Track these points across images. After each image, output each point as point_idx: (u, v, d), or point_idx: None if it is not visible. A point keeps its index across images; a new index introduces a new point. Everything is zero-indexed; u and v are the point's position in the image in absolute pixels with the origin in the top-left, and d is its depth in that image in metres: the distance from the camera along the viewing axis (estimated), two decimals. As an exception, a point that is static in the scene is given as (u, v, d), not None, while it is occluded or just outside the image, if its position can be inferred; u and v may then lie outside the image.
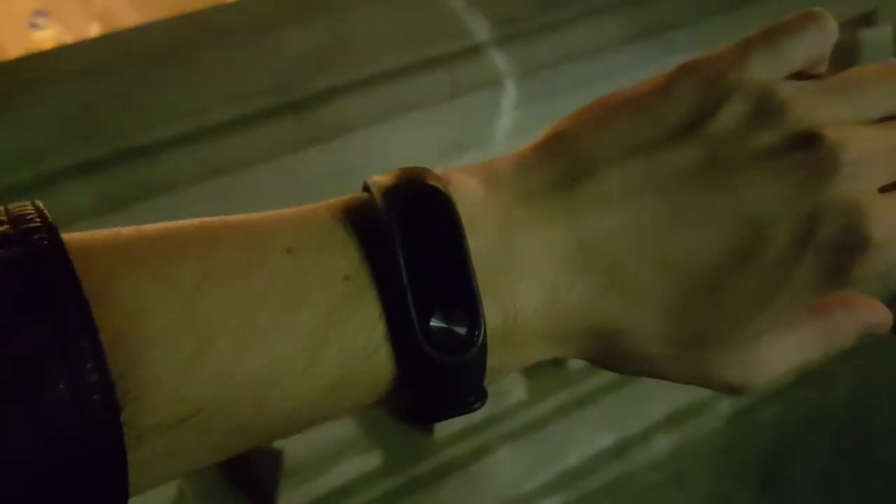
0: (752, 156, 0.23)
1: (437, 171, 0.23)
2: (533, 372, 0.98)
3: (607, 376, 1.01)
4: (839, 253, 0.23)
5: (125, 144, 0.65)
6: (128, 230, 0.21)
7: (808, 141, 0.23)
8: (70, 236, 0.20)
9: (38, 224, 0.19)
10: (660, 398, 1.04)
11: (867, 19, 0.96)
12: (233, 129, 0.68)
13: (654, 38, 0.81)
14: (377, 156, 0.74)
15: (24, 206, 0.20)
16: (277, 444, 0.82)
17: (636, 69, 0.83)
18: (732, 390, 0.25)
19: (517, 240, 0.22)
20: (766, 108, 0.24)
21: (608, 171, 0.23)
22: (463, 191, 0.22)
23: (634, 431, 1.00)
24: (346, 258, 0.21)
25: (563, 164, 0.23)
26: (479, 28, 0.76)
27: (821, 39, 0.25)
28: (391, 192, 0.22)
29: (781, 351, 0.25)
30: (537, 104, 0.79)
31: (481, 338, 0.21)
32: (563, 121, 0.25)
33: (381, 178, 0.22)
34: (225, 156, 0.67)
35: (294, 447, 0.83)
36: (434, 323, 0.21)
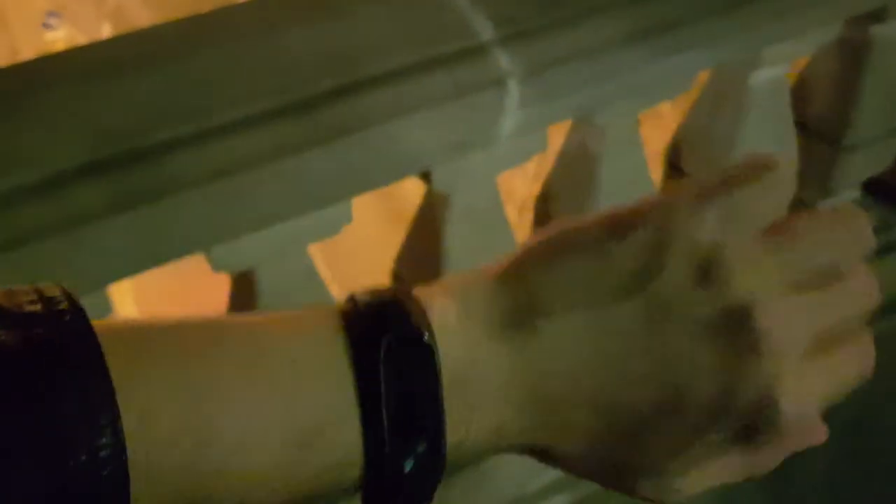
0: (687, 321, 0.25)
1: (419, 290, 0.26)
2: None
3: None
4: (749, 427, 0.25)
5: (132, 146, 0.65)
6: (144, 325, 0.24)
7: (738, 318, 0.25)
8: (94, 324, 0.22)
9: (66, 307, 0.22)
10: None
11: (879, 15, 0.95)
12: (237, 130, 0.68)
13: (657, 37, 0.81)
14: (381, 156, 0.74)
15: (52, 288, 0.22)
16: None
17: (638, 68, 0.82)
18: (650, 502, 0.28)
19: (476, 376, 0.25)
20: (706, 275, 0.25)
21: (558, 321, 0.26)
22: (441, 322, 0.25)
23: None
24: (337, 378, 0.24)
25: (520, 306, 0.26)
26: (482, 28, 0.76)
27: (774, 186, 0.26)
28: (377, 328, 0.24)
29: (700, 477, 0.27)
30: (540, 103, 0.79)
31: (440, 465, 0.25)
32: (526, 252, 0.27)
33: (367, 304, 0.25)
34: (230, 157, 0.68)
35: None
36: (404, 455, 0.24)
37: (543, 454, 0.27)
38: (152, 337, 0.24)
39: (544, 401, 0.26)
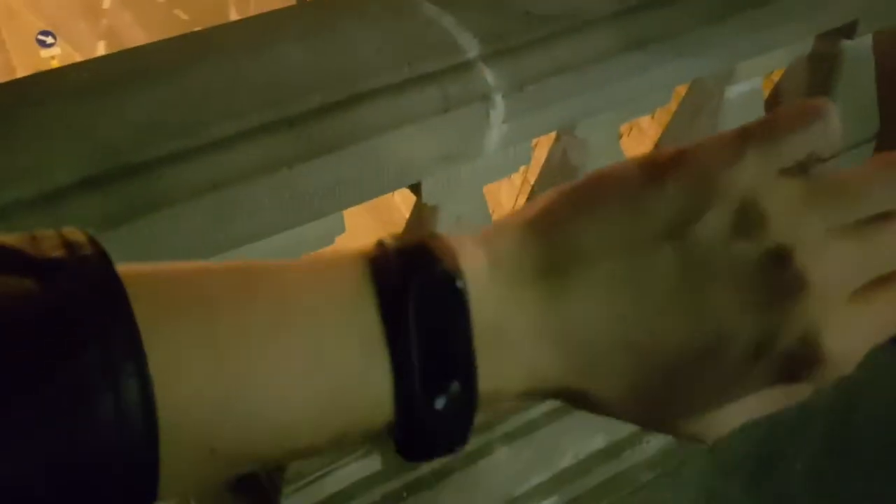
0: (726, 266, 0.24)
1: (448, 238, 0.25)
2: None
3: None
4: (792, 363, 0.25)
5: (127, 161, 0.66)
6: (168, 270, 0.23)
7: (780, 260, 0.24)
8: (118, 269, 0.22)
9: (90, 252, 0.21)
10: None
11: (847, 30, 0.97)
12: (231, 144, 0.69)
13: (637, 52, 0.83)
14: (372, 169, 0.75)
15: (76, 233, 0.22)
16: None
17: (623, 81, 0.84)
18: (690, 441, 0.28)
19: (509, 321, 0.25)
20: (747, 219, 0.24)
21: (592, 267, 0.25)
22: (472, 269, 0.25)
23: (626, 432, 1.01)
24: (364, 326, 0.24)
25: (553, 252, 0.25)
26: (468, 45, 0.78)
27: (821, 135, 0.25)
28: (409, 270, 0.24)
29: (738, 411, 0.26)
30: (526, 117, 0.81)
31: (472, 408, 0.24)
32: (558, 196, 0.26)
33: (397, 248, 0.25)
34: (224, 171, 0.69)
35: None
36: (435, 395, 0.24)
37: (580, 399, 0.26)
38: (178, 285, 0.23)
39: (579, 346, 0.25)
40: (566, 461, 0.96)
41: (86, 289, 0.21)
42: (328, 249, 0.23)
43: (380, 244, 0.25)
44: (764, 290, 0.24)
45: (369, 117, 0.74)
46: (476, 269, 0.25)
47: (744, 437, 1.07)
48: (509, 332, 0.25)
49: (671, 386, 0.25)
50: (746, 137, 0.25)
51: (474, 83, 0.78)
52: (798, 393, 0.27)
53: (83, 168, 0.65)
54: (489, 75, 0.79)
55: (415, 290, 0.23)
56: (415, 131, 0.76)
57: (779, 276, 0.24)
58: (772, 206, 0.25)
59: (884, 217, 0.26)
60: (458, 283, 0.24)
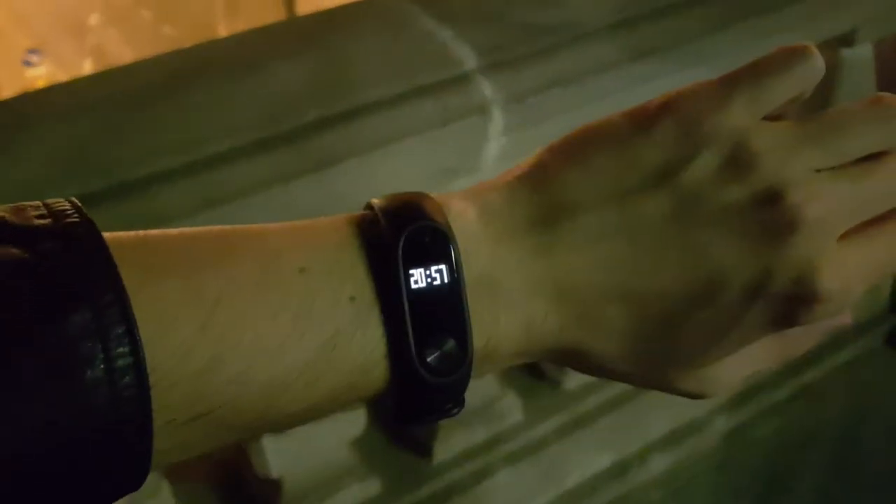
0: (718, 209, 0.24)
1: (436, 196, 0.25)
2: (530, 393, 0.98)
3: (604, 396, 1.02)
4: (788, 304, 0.25)
5: (119, 179, 0.66)
6: (154, 235, 0.23)
7: (772, 200, 0.24)
8: (104, 235, 0.21)
9: (76, 219, 0.21)
10: (657, 417, 1.05)
11: (847, 39, 0.97)
12: (225, 161, 0.69)
13: (640, 61, 0.82)
14: (370, 184, 0.75)
15: (61, 202, 0.22)
16: (277, 472, 0.82)
17: (622, 92, 0.84)
18: (692, 397, 0.27)
19: (502, 274, 0.25)
20: (736, 161, 0.25)
21: (584, 216, 0.25)
22: (460, 222, 0.25)
23: (633, 451, 1.00)
24: (353, 280, 0.23)
25: (545, 203, 0.25)
26: (467, 57, 0.78)
27: (806, 76, 0.26)
28: (397, 224, 0.24)
29: (737, 365, 0.26)
30: (525, 129, 0.80)
31: (468, 362, 0.24)
32: (548, 151, 0.26)
33: (385, 205, 0.24)
34: (218, 188, 0.68)
35: (293, 475, 0.83)
36: (428, 349, 0.23)
37: (578, 356, 0.26)
38: (164, 247, 0.23)
39: (574, 296, 0.25)
40: (571, 481, 0.95)
41: (71, 254, 0.20)
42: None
43: (367, 205, 0.25)
44: (757, 230, 0.24)
45: (367, 131, 0.73)
46: (466, 222, 0.25)
47: (751, 456, 1.06)
48: (502, 284, 0.25)
49: (669, 334, 0.25)
50: (732, 82, 0.25)
51: (472, 96, 0.77)
52: (797, 344, 0.27)
53: (76, 187, 0.64)
54: (487, 88, 0.78)
55: (402, 244, 0.23)
56: (413, 144, 0.75)
57: (771, 216, 0.24)
58: (761, 147, 0.25)
59: (877, 156, 0.26)
60: (448, 236, 0.24)
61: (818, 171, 0.25)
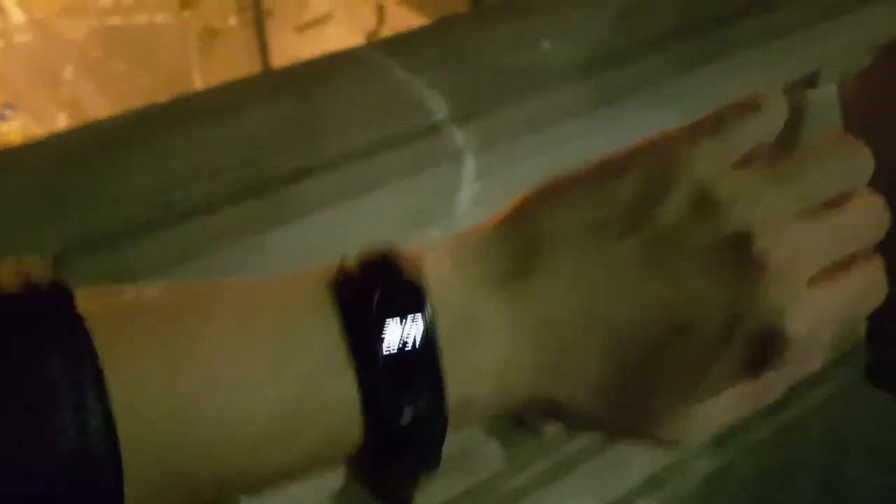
0: (689, 252, 0.25)
1: (412, 247, 0.25)
2: (510, 441, 0.98)
3: (585, 442, 1.01)
4: (758, 347, 0.25)
5: (92, 231, 0.65)
6: (124, 290, 0.23)
7: (739, 244, 0.25)
8: (77, 292, 0.22)
9: (45, 281, 0.21)
10: (639, 461, 1.04)
11: (812, 80, 0.99)
12: (199, 212, 0.68)
13: (606, 104, 0.84)
14: (345, 233, 0.75)
15: (34, 261, 0.22)
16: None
17: (593, 135, 0.85)
18: (665, 445, 0.27)
19: (477, 321, 0.25)
20: (704, 206, 0.25)
21: (561, 250, 0.25)
22: (436, 274, 0.25)
23: (616, 496, 1.00)
24: (328, 338, 0.23)
25: (520, 246, 0.26)
26: (439, 106, 0.78)
27: (768, 123, 0.26)
28: (370, 281, 0.24)
29: (710, 412, 0.26)
30: (497, 174, 0.81)
31: (444, 418, 0.24)
32: (522, 198, 0.27)
33: (359, 263, 0.25)
34: (192, 239, 0.68)
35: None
36: (404, 407, 0.23)
37: (557, 409, 0.26)
38: (135, 301, 0.23)
39: (550, 339, 0.25)
40: (554, 527, 0.94)
41: (41, 312, 0.21)
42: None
43: (341, 261, 0.25)
44: (727, 272, 0.25)
45: (340, 181, 0.73)
46: (440, 272, 0.25)
47: (734, 495, 1.05)
48: (477, 331, 0.25)
49: (645, 379, 0.26)
50: (697, 131, 0.26)
51: (445, 144, 0.78)
52: (769, 391, 0.27)
53: (51, 239, 0.63)
54: (459, 135, 0.79)
55: (376, 302, 0.24)
56: (386, 194, 0.75)
57: (739, 259, 0.25)
58: (726, 194, 0.25)
59: (842, 198, 0.26)
60: (422, 293, 0.24)
61: (785, 213, 0.25)
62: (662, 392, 0.26)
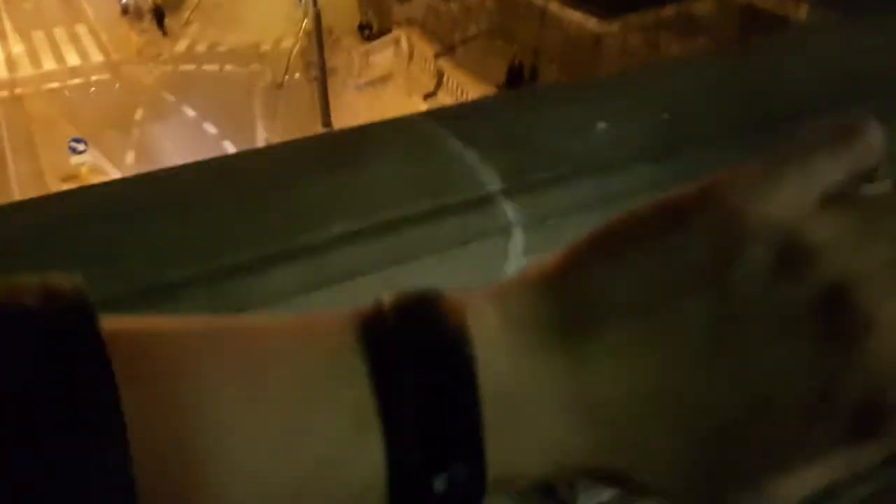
0: (772, 311, 0.21)
1: (453, 293, 0.23)
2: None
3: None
4: (859, 420, 0.21)
5: (142, 283, 0.67)
6: (131, 331, 0.21)
7: (837, 299, 0.21)
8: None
9: (72, 301, 0.19)
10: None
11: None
12: (248, 271, 0.70)
13: (664, 188, 0.84)
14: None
15: (60, 278, 0.20)
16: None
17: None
18: None
19: (525, 392, 0.22)
20: (790, 258, 0.21)
21: (618, 325, 0.22)
22: (480, 327, 0.22)
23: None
24: (353, 390, 0.21)
25: (574, 309, 0.22)
26: (491, 179, 0.79)
27: (864, 152, 0.23)
28: (406, 324, 0.21)
29: (801, 483, 0.23)
30: (545, 249, 0.81)
31: (481, 491, 0.21)
32: (575, 249, 0.24)
33: (395, 302, 0.22)
34: (239, 297, 0.69)
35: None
36: (435, 476, 0.21)
37: (621, 482, 0.23)
38: (147, 344, 0.21)
39: (608, 417, 0.22)
40: None
41: (68, 344, 0.18)
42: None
43: (376, 301, 0.22)
44: (820, 335, 0.21)
45: (389, 247, 0.74)
46: (486, 330, 0.22)
47: None
48: (524, 403, 0.22)
49: (720, 458, 0.22)
50: (779, 164, 0.22)
51: (494, 216, 0.78)
52: (867, 459, 0.23)
53: (101, 288, 0.65)
54: (509, 209, 0.79)
55: (412, 355, 0.21)
56: (434, 262, 0.76)
57: (836, 317, 0.21)
58: (819, 239, 0.22)
59: None
60: (465, 348, 0.21)
61: (888, 262, 0.22)
62: (742, 474, 0.22)
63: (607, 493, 1.00)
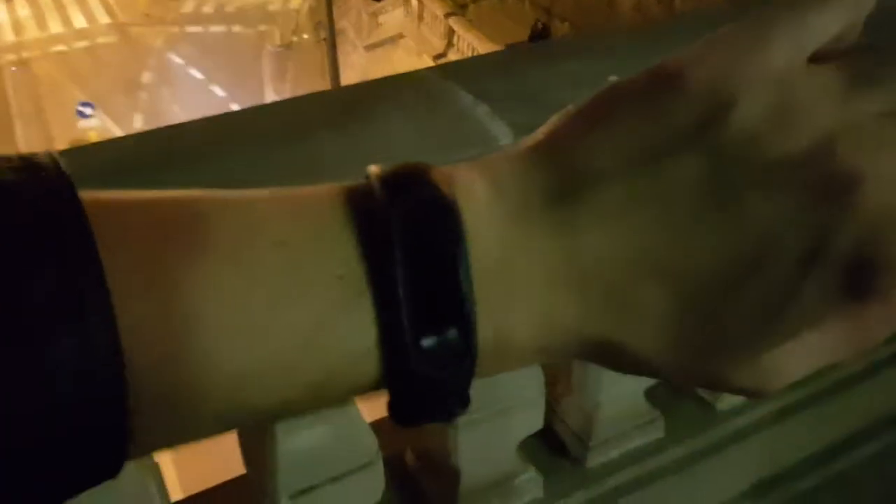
0: (763, 167, 0.21)
1: (441, 167, 0.22)
2: (551, 469, 0.97)
3: (627, 476, 1.00)
4: (851, 272, 0.21)
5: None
6: (113, 199, 0.21)
7: (826, 152, 0.21)
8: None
9: (50, 171, 0.19)
10: (680, 500, 1.02)
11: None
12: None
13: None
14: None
15: (38, 154, 0.20)
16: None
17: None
18: (747, 395, 0.24)
19: (515, 257, 0.22)
20: (781, 112, 0.21)
21: (610, 184, 0.22)
22: (468, 196, 0.22)
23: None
24: (340, 256, 0.21)
25: (564, 173, 0.22)
26: (501, 133, 0.79)
27: (855, 6, 0.23)
28: (395, 191, 0.21)
29: (802, 355, 0.23)
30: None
31: (471, 355, 0.21)
32: (564, 116, 0.23)
33: (383, 173, 0.22)
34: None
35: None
36: (426, 336, 0.21)
37: (609, 350, 0.23)
38: (123, 214, 0.20)
39: (600, 278, 0.22)
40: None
41: (44, 208, 0.18)
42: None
43: (364, 175, 0.22)
44: (811, 188, 0.21)
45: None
46: (475, 197, 0.22)
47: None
48: (516, 269, 0.22)
49: (714, 316, 0.22)
50: (769, 22, 0.22)
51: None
52: (866, 331, 0.23)
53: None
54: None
55: (400, 222, 0.20)
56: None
57: (827, 170, 0.21)
58: (810, 92, 0.22)
59: None
60: (454, 209, 0.21)
61: (878, 117, 0.22)
62: (736, 337, 0.22)
63: (616, 450, 1.01)
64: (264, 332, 0.20)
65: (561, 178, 0.22)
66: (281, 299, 0.20)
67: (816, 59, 0.23)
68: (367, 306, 0.21)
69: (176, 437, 0.21)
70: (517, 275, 0.22)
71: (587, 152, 0.22)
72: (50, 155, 0.20)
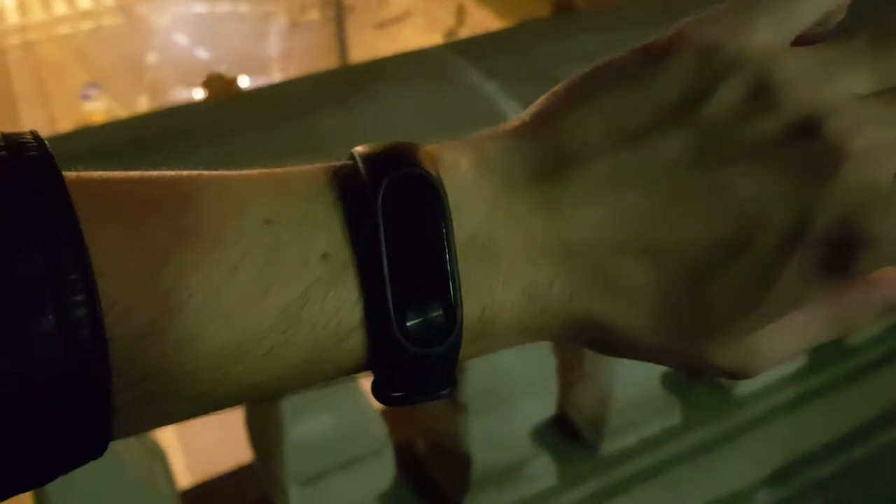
0: (746, 146, 0.22)
1: (428, 146, 0.22)
2: (564, 456, 0.96)
3: (641, 464, 0.99)
4: (833, 251, 0.21)
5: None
6: (97, 176, 0.21)
7: (809, 130, 0.21)
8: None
9: (34, 149, 0.19)
10: (695, 490, 1.01)
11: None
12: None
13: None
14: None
15: (24, 134, 0.20)
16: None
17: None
18: (732, 376, 0.24)
19: (499, 233, 0.22)
20: (765, 90, 0.22)
21: (594, 162, 0.22)
22: (452, 173, 0.22)
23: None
24: (326, 234, 0.21)
25: (549, 150, 0.22)
26: (512, 111, 0.77)
27: None
28: (379, 169, 0.21)
29: (786, 336, 0.23)
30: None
31: (456, 332, 0.21)
32: (551, 95, 0.24)
33: (368, 152, 0.22)
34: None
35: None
36: (410, 314, 0.21)
37: (595, 330, 0.23)
38: (108, 190, 0.20)
39: (585, 256, 0.22)
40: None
41: (26, 187, 0.18)
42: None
43: (349, 155, 0.22)
44: (792, 167, 0.21)
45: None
46: (458, 174, 0.22)
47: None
48: (500, 246, 0.22)
49: (698, 295, 0.22)
50: (754, 2, 0.23)
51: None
52: (853, 312, 0.23)
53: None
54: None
55: (383, 194, 0.20)
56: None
57: (809, 149, 0.21)
58: (792, 72, 0.22)
59: None
60: (437, 186, 0.21)
61: (858, 96, 0.22)
62: (721, 316, 0.22)
63: (631, 436, 1.00)
64: (249, 309, 0.20)
65: (546, 156, 0.22)
66: (266, 277, 0.20)
67: (801, 41, 0.23)
68: (352, 285, 0.21)
69: (161, 415, 0.21)
70: (502, 252, 0.22)
71: (573, 129, 0.22)
72: (34, 134, 0.20)
